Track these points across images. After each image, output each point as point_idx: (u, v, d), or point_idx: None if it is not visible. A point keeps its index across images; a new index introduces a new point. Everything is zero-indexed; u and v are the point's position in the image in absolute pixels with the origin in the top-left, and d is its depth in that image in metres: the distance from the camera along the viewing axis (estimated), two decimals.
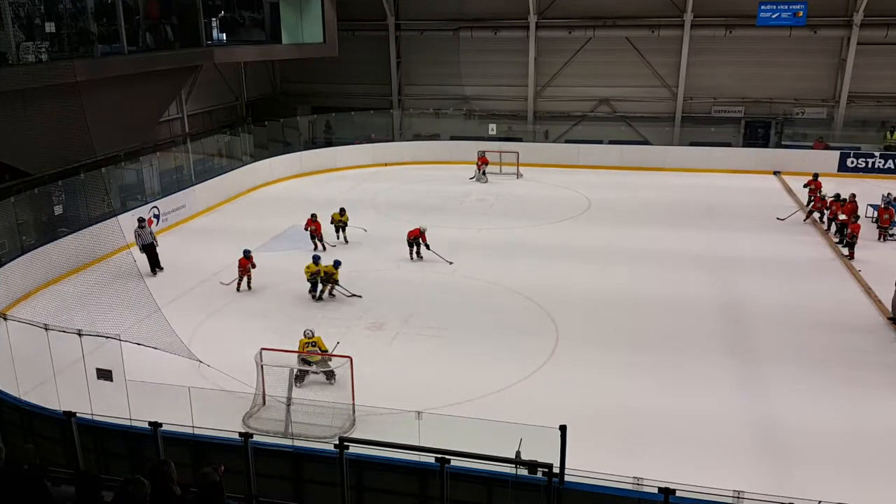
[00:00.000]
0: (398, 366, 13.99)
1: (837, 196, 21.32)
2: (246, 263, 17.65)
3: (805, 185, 23.73)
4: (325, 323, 15.75)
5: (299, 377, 12.82)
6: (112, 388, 10.89)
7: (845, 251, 19.36)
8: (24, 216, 18.92)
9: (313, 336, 13.15)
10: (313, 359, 13.01)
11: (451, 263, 18.84)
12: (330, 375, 13.02)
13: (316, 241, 20.39)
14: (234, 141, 29.02)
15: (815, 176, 23.57)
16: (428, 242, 19.39)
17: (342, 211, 21.32)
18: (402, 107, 34.32)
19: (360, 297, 16.99)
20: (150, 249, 18.79)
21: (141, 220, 19.19)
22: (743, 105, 31.10)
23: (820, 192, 22.79)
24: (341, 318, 16.09)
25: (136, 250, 18.40)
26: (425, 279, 18.46)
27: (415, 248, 19.56)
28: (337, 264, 17.13)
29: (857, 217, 20.13)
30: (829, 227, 21.33)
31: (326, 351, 13.17)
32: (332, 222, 21.21)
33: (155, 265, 18.88)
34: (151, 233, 19.14)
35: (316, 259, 17.41)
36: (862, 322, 15.69)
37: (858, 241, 19.25)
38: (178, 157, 25.93)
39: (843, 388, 12.94)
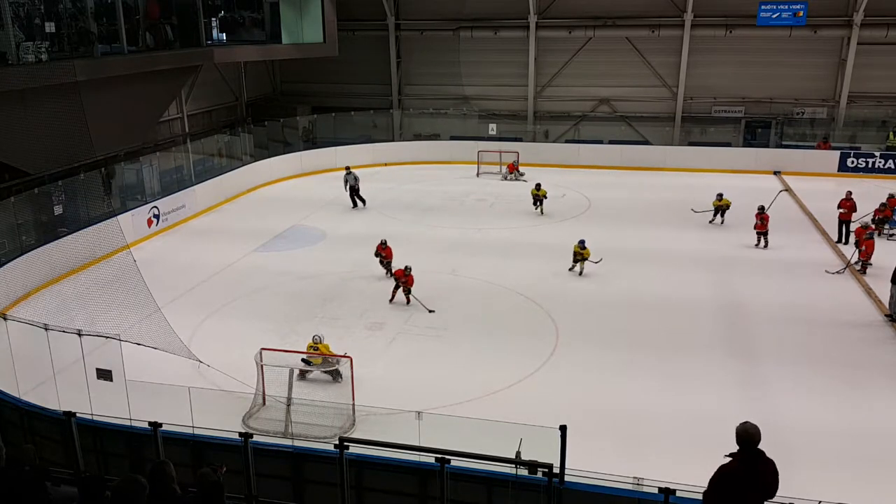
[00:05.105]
0: (398, 366, 13.99)
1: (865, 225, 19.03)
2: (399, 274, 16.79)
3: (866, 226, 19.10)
4: (326, 323, 15.77)
5: (302, 374, 12.81)
6: (112, 388, 10.88)
7: (858, 266, 18.37)
8: (24, 216, 18.93)
9: (320, 342, 13.03)
10: (315, 361, 12.98)
11: (431, 311, 16.36)
12: (336, 375, 12.99)
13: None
14: (234, 141, 29.03)
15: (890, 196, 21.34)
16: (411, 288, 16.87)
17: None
18: (402, 107, 34.33)
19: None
20: None
21: None
22: (743, 105, 31.11)
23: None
24: (341, 317, 16.09)
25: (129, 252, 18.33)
26: (425, 279, 18.43)
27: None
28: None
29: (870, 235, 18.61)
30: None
31: (329, 354, 13.03)
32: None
33: None
34: None
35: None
36: (862, 321, 15.70)
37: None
38: (178, 157, 25.95)
39: (842, 387, 12.94)
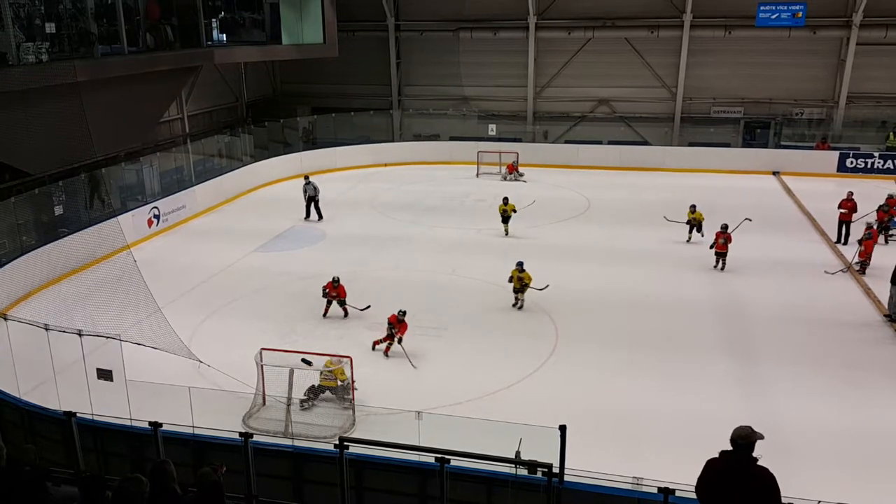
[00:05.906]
0: (398, 366, 13.99)
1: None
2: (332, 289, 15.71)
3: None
4: (326, 323, 15.78)
5: (309, 396, 12.19)
6: (112, 388, 10.89)
7: (857, 267, 18.30)
8: (25, 216, 18.94)
9: (338, 364, 12.25)
10: (326, 383, 12.35)
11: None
12: (341, 398, 12.32)
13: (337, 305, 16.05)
14: (234, 141, 29.05)
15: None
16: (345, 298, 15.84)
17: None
18: (401, 107, 34.35)
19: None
20: None
21: None
22: (742, 105, 31.12)
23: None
24: (341, 317, 16.08)
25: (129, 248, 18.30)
26: (425, 279, 18.46)
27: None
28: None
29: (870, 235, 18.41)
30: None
31: (341, 374, 12.25)
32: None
33: None
34: None
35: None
36: (861, 321, 15.71)
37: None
38: (178, 158, 25.97)
39: (842, 387, 12.95)
